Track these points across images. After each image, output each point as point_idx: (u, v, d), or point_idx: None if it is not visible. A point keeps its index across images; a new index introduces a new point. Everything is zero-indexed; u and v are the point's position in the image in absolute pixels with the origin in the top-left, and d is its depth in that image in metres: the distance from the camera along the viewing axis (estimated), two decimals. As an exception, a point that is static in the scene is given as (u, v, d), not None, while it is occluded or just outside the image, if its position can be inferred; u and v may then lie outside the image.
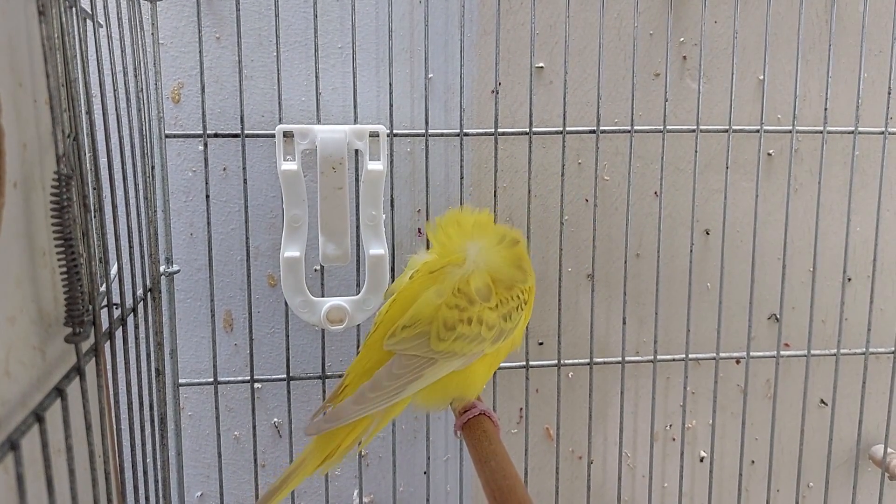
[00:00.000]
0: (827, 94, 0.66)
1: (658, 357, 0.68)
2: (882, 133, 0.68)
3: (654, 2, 0.67)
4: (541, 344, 0.70)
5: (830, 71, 0.66)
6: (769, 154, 0.70)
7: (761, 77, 0.69)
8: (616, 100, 0.67)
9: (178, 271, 0.62)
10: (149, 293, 0.56)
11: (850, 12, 0.68)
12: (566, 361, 0.68)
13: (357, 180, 0.60)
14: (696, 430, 0.73)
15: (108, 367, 0.44)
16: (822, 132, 0.67)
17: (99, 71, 0.48)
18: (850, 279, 0.74)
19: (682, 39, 0.68)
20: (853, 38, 0.68)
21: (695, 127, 0.65)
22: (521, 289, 0.51)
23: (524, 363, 0.67)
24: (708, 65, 0.68)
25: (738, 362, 0.73)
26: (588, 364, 0.67)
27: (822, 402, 0.75)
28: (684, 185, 0.69)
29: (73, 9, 0.42)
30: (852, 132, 0.67)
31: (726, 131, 0.66)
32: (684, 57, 0.68)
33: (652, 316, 0.70)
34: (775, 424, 0.70)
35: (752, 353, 0.70)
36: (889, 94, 0.67)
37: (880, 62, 0.70)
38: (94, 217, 0.42)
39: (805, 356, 0.70)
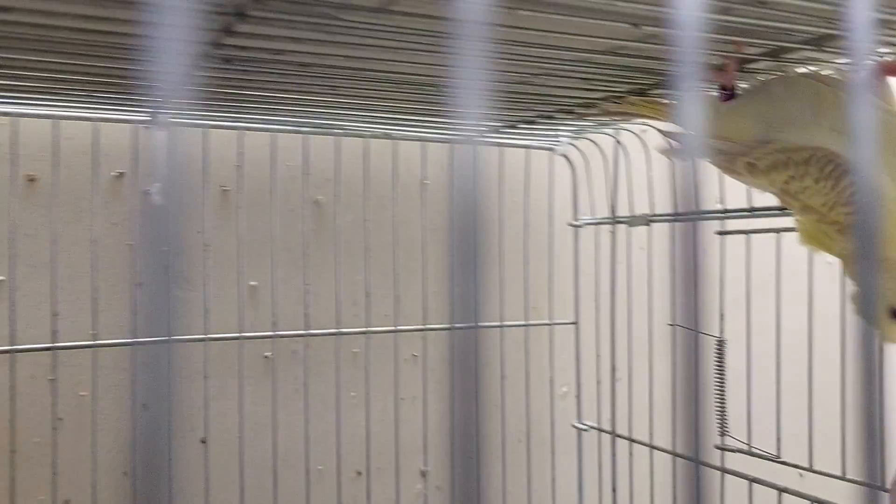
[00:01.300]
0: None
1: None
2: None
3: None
4: None
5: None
6: (266, 356, 0.72)
7: (253, 283, 0.71)
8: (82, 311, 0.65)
9: None
10: None
11: (327, 222, 0.74)
12: None
13: None
14: None
15: None
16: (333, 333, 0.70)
17: None
18: (359, 473, 0.76)
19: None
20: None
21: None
22: None
23: None
24: (195, 272, 0.69)
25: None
26: None
27: None
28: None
29: None
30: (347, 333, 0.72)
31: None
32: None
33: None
34: None
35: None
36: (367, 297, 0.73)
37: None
38: None
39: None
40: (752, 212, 0.61)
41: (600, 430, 0.78)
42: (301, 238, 0.71)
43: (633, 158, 0.75)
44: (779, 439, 0.63)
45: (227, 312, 0.70)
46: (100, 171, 0.65)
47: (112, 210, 0.67)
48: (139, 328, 0.65)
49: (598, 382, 0.79)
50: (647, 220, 0.72)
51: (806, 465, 0.60)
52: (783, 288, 0.63)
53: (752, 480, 0.61)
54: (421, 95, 0.57)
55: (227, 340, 0.69)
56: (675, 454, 0.69)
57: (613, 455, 0.76)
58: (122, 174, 0.67)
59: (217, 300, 0.69)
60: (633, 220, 0.73)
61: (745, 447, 0.63)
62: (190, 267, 0.68)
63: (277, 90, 0.54)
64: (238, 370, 0.69)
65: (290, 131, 0.69)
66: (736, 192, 0.61)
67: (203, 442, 0.68)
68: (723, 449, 0.64)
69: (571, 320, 0.82)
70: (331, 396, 0.73)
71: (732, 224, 0.64)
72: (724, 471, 0.63)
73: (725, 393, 0.64)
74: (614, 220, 0.76)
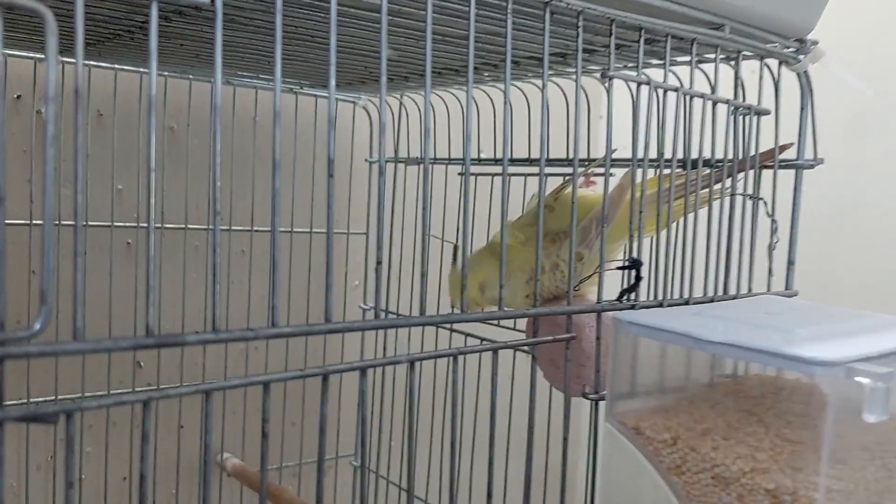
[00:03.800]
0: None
1: None
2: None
3: None
4: None
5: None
6: (128, 243, 0.96)
7: (120, 186, 0.94)
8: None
9: None
10: None
11: (180, 144, 0.98)
12: None
13: None
14: None
15: None
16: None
17: None
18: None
19: None
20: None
21: None
22: None
23: None
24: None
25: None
26: None
27: (182, 426, 1.01)
28: None
29: None
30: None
31: None
32: None
33: None
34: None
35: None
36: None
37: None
38: None
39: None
40: (479, 161, 0.92)
41: (377, 308, 1.09)
42: (160, 154, 0.95)
43: (412, 117, 1.04)
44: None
45: (103, 207, 0.92)
46: (7, 94, 0.85)
47: (11, 125, 0.88)
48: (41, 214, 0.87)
49: (377, 277, 1.09)
50: (418, 162, 1.02)
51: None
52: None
53: (455, 331, 0.94)
54: (253, 61, 0.82)
55: (100, 228, 0.92)
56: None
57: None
58: (20, 96, 0.88)
59: (94, 197, 0.91)
60: (407, 161, 1.03)
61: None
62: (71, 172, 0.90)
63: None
64: (108, 251, 0.92)
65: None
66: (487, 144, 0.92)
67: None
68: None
69: (363, 231, 1.11)
70: (178, 276, 0.98)
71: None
72: (453, 330, 0.96)
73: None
74: (397, 160, 1.06)
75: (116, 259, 0.95)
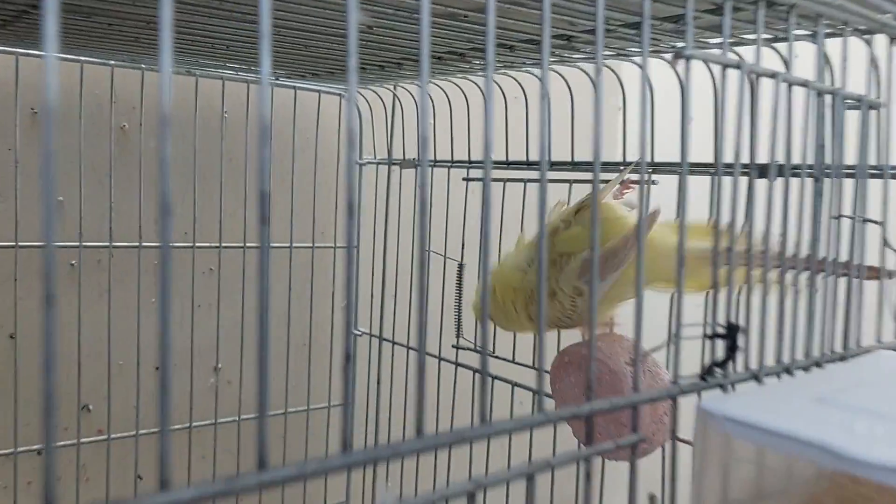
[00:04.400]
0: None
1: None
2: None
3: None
4: None
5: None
6: (72, 264, 0.81)
7: (61, 198, 0.79)
8: None
9: None
10: None
11: (131, 146, 0.83)
12: None
13: None
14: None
15: None
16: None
17: None
18: (157, 368, 0.87)
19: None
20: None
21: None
22: None
23: None
24: (5, 185, 0.76)
25: (39, 453, 0.81)
26: None
27: (140, 476, 0.86)
28: (-11, 293, 0.75)
29: None
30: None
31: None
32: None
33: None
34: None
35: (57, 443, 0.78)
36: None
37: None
38: None
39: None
40: (508, 165, 0.77)
41: (371, 335, 0.94)
42: (107, 160, 0.79)
43: (407, 111, 0.89)
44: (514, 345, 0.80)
45: (36, 223, 0.77)
46: None
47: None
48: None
49: (372, 296, 0.94)
50: (415, 164, 0.87)
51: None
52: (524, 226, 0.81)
53: (477, 371, 0.79)
54: (221, 50, 0.67)
55: (35, 248, 0.77)
56: (417, 350, 0.85)
57: (380, 354, 0.92)
58: (-69, 90, 0.72)
59: (27, 212, 0.76)
60: (403, 163, 0.88)
61: (471, 346, 0.80)
62: (1, 180, 0.75)
63: (86, 28, 0.63)
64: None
65: (97, 63, 0.77)
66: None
67: (12, 337, 0.77)
68: (457, 347, 0.81)
69: (353, 244, 0.96)
70: (132, 301, 0.83)
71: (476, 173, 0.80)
72: (459, 365, 0.81)
73: (462, 305, 0.81)
74: (390, 162, 0.91)
75: (58, 284, 0.80)
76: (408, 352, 0.89)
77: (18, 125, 0.74)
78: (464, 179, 0.80)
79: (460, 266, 0.80)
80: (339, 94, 0.93)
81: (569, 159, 0.74)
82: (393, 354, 0.91)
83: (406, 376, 0.89)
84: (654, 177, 0.66)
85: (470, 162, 0.79)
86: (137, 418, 0.83)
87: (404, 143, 0.89)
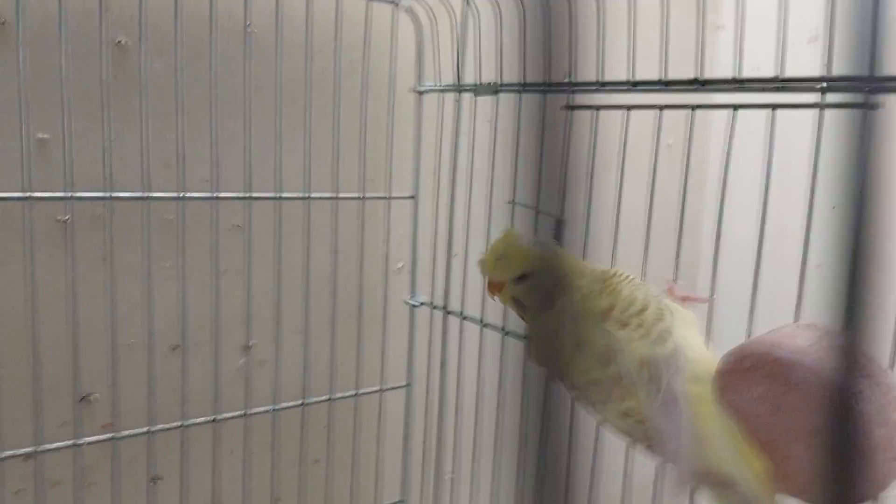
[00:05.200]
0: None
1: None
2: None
3: None
4: None
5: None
6: (60, 220, 0.63)
7: (43, 135, 0.61)
8: None
9: None
10: None
11: (130, 68, 0.64)
12: None
13: None
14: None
15: None
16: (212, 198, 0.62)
17: None
18: (174, 347, 0.71)
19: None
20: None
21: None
22: None
23: None
24: None
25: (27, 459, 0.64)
26: None
27: (155, 480, 0.70)
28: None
29: None
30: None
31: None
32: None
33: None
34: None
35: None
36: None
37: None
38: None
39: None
40: (602, 86, 0.58)
41: (433, 306, 0.77)
42: (100, 85, 0.61)
43: (483, 20, 0.69)
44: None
45: (11, 169, 0.60)
46: None
47: None
48: None
49: (434, 259, 0.77)
50: (496, 89, 0.68)
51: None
52: (627, 165, 0.62)
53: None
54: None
55: (11, 201, 0.60)
56: (504, 332, 0.68)
57: (444, 331, 0.75)
58: None
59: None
60: (479, 89, 0.69)
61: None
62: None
63: None
64: (25, 234, 0.60)
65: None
66: (586, 66, 0.58)
67: (-15, 314, 0.60)
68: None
69: (410, 194, 0.78)
70: (139, 266, 0.66)
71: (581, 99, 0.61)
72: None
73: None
74: (459, 88, 0.72)
75: (44, 246, 0.63)
76: (482, 329, 0.71)
77: (-22, 38, 0.56)
78: (565, 108, 0.61)
79: (558, 223, 0.62)
80: (392, 2, 0.73)
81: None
82: (462, 330, 0.74)
83: (479, 359, 0.72)
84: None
85: (572, 84, 0.60)
86: (151, 410, 0.66)
87: (480, 63, 0.70)
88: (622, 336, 0.46)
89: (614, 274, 0.50)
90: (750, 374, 0.41)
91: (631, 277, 0.51)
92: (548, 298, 0.52)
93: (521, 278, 0.51)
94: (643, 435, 0.47)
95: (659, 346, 0.45)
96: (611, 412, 0.47)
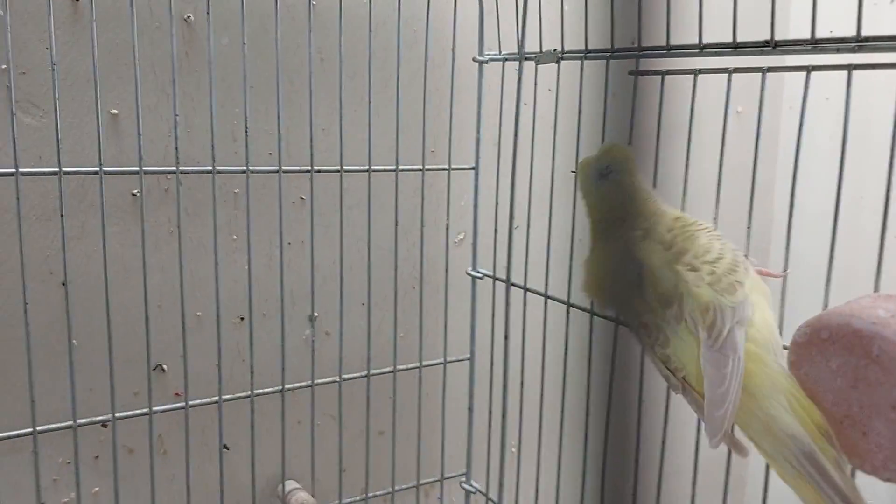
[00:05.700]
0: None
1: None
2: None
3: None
4: None
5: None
6: (133, 194, 0.65)
7: (114, 111, 0.63)
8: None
9: None
10: None
11: (198, 43, 0.65)
12: None
13: None
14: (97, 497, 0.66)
15: None
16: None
17: None
18: (242, 318, 0.72)
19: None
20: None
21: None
22: None
23: None
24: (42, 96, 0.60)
25: (104, 426, 0.67)
26: None
27: (226, 447, 0.72)
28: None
29: None
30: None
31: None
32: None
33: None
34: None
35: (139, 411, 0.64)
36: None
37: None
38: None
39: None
40: (670, 51, 0.56)
41: (495, 278, 0.76)
42: (169, 61, 0.62)
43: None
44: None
45: (84, 143, 0.61)
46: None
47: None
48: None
49: (496, 230, 0.76)
50: (558, 57, 0.66)
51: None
52: (695, 134, 0.60)
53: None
54: None
55: (84, 175, 0.61)
56: (569, 304, 0.67)
57: (507, 304, 0.74)
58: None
59: (72, 129, 0.60)
60: (541, 58, 0.67)
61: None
62: (36, 89, 0.59)
63: None
64: (100, 208, 0.62)
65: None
66: (651, 30, 0.56)
67: (64, 285, 0.62)
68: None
69: (471, 165, 0.77)
70: (208, 239, 0.67)
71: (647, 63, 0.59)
72: (618, 321, 0.62)
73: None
74: (521, 57, 0.70)
75: (115, 219, 0.65)
76: (546, 302, 0.70)
77: (52, 15, 0.57)
78: (631, 73, 0.59)
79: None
80: (455, -28, 0.72)
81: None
82: (525, 302, 0.73)
83: (544, 332, 0.71)
84: None
85: (640, 49, 0.58)
86: (220, 379, 0.68)
87: (541, 31, 0.68)
88: (691, 278, 0.45)
89: (693, 222, 0.49)
90: (827, 346, 0.39)
91: (711, 228, 0.49)
92: (617, 216, 0.50)
93: (604, 174, 0.50)
94: (678, 383, 0.46)
95: (728, 294, 0.44)
96: (652, 355, 0.47)
